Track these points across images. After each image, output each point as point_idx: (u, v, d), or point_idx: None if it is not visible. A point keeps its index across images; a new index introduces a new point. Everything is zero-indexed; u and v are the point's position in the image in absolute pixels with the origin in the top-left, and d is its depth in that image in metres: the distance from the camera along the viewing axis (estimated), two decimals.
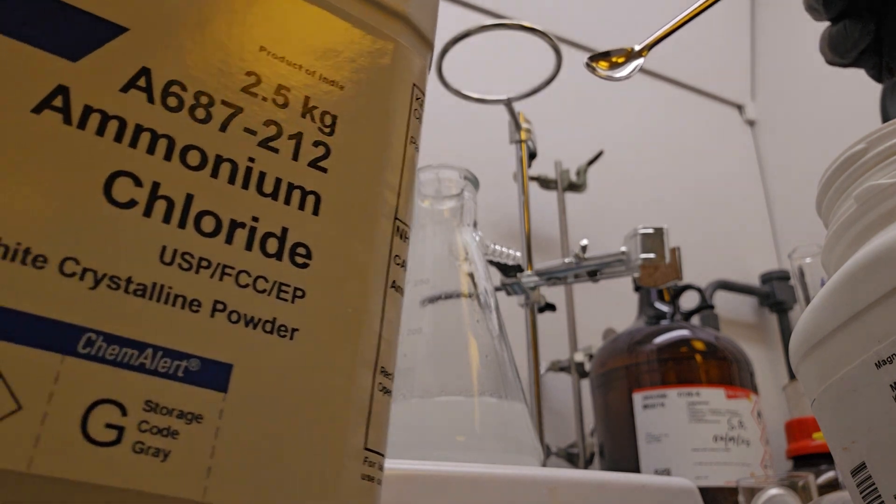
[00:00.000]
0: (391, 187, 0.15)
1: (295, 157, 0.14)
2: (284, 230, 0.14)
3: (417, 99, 0.17)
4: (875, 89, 0.35)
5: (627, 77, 0.33)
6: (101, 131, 0.12)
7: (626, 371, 0.52)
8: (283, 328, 0.13)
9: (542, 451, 0.42)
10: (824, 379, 0.21)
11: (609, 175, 0.77)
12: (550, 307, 0.62)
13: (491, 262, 0.56)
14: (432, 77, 0.58)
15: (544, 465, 0.46)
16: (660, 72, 0.93)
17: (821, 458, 0.64)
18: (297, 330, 0.13)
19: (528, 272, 0.58)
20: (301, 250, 0.14)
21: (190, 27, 0.14)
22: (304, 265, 0.14)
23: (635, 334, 0.55)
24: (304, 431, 0.13)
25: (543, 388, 0.64)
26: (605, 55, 0.34)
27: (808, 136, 0.89)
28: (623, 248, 0.54)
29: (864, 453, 0.20)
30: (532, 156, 0.68)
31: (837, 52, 0.30)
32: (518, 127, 0.66)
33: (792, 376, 0.76)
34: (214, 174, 0.13)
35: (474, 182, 0.47)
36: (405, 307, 0.42)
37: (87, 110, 0.12)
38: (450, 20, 0.78)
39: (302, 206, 0.14)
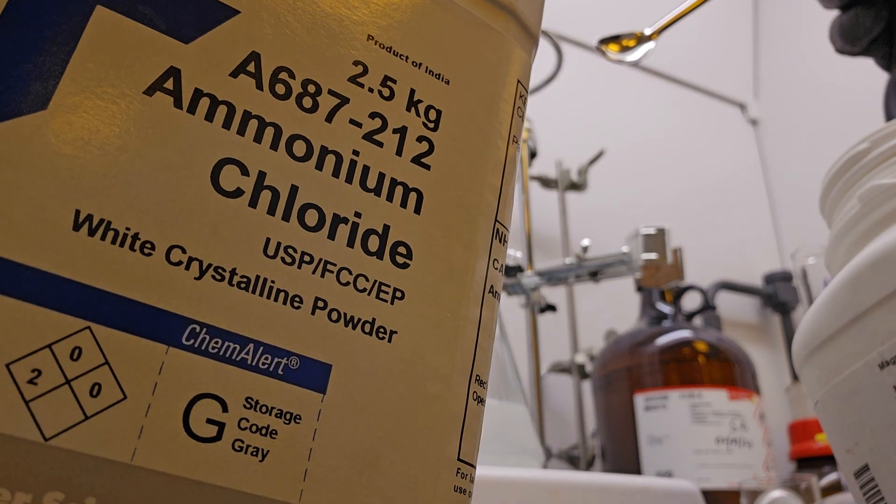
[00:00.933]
0: (492, 188, 0.15)
1: (399, 152, 0.14)
2: (386, 227, 0.13)
3: (521, 97, 0.16)
4: (879, 88, 0.35)
5: (638, 61, 0.33)
6: (210, 116, 0.12)
7: (628, 372, 0.52)
8: (381, 329, 0.13)
9: (542, 452, 0.42)
10: (827, 380, 0.21)
11: (610, 175, 0.77)
12: (551, 308, 0.62)
13: None
14: None
15: (545, 467, 0.46)
16: (661, 70, 0.93)
17: (824, 461, 0.64)
18: (395, 332, 0.13)
19: (529, 272, 0.57)
20: (402, 249, 0.13)
21: (300, 13, 0.13)
22: (405, 265, 0.13)
23: (637, 335, 0.55)
24: (400, 438, 0.12)
25: (544, 390, 0.64)
26: (614, 38, 0.33)
27: (811, 135, 0.88)
28: (625, 249, 0.53)
29: (867, 455, 0.19)
30: (533, 155, 0.67)
31: (848, 39, 0.30)
32: None
33: (795, 378, 0.76)
34: (319, 166, 0.13)
35: None
36: None
37: (198, 94, 0.12)
38: None
39: (404, 204, 0.13)
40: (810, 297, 0.48)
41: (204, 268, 0.11)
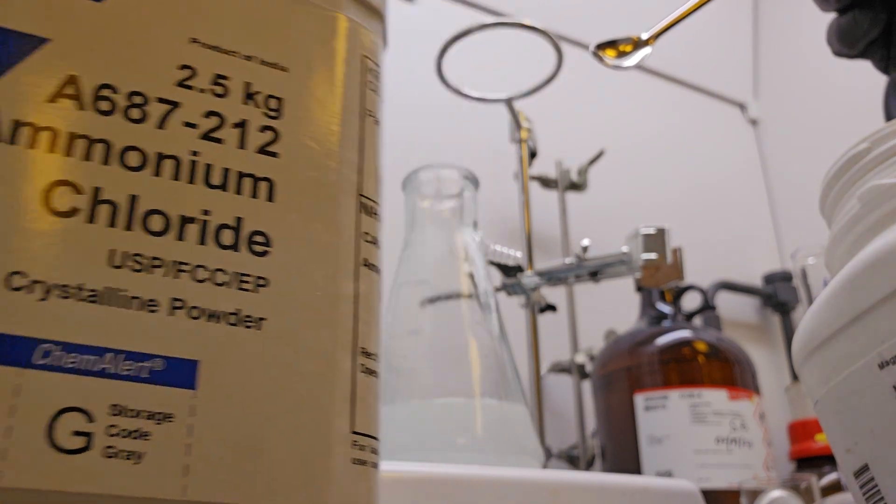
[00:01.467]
0: (351, 163, 0.15)
1: (241, 145, 0.14)
2: (239, 220, 0.13)
3: (370, 70, 0.16)
4: (879, 89, 0.35)
5: (634, 66, 0.33)
6: (33, 144, 0.12)
7: (628, 372, 0.52)
8: (248, 319, 0.13)
9: (542, 452, 0.42)
10: (827, 380, 0.21)
11: (610, 174, 0.77)
12: (551, 308, 0.62)
13: (491, 263, 0.56)
14: (433, 75, 0.58)
15: (545, 467, 0.46)
16: (661, 70, 0.93)
17: (824, 460, 0.64)
18: (263, 319, 0.13)
19: (529, 272, 0.57)
20: (259, 238, 0.14)
21: (115, 29, 0.14)
22: (265, 253, 0.13)
23: (637, 335, 0.55)
24: (285, 420, 0.13)
25: (544, 390, 0.64)
26: (611, 43, 0.33)
27: (811, 136, 0.88)
28: (624, 249, 0.53)
29: (866, 455, 0.19)
30: (533, 155, 0.67)
31: (846, 42, 0.30)
32: (518, 126, 0.66)
33: (795, 377, 0.76)
34: (157, 173, 0.13)
35: (474, 182, 0.47)
36: (405, 307, 0.42)
37: (17, 125, 0.12)
38: (450, 18, 0.78)
39: (255, 194, 0.14)
40: (810, 297, 0.49)
41: (48, 288, 0.12)
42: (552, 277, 0.56)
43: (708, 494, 0.43)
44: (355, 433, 0.13)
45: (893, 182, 0.20)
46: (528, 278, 0.57)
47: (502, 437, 0.38)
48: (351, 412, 0.13)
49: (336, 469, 0.13)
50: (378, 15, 0.17)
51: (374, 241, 0.15)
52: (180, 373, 0.12)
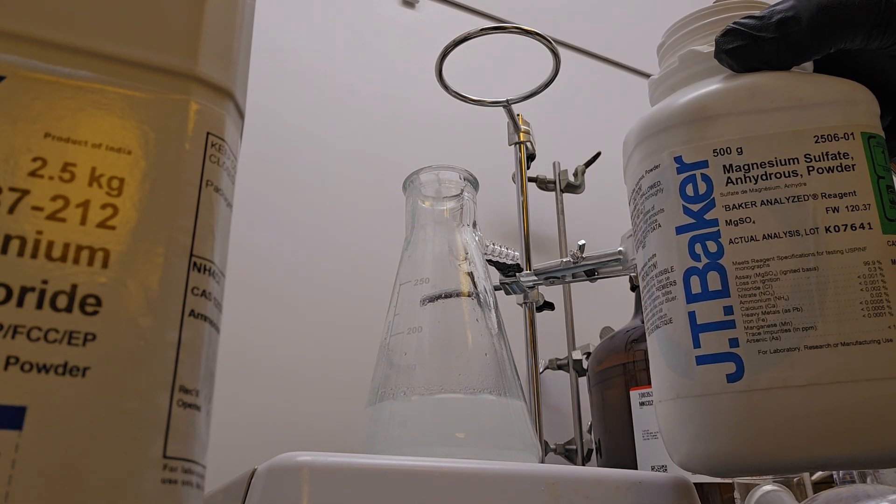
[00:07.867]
0: (184, 230, 0.17)
1: (83, 222, 0.16)
2: (74, 286, 0.15)
3: (214, 145, 0.18)
4: None
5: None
6: None
7: (624, 369, 0.53)
8: (74, 369, 0.14)
9: (540, 447, 0.43)
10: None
11: (606, 176, 0.77)
12: (549, 306, 0.63)
13: (490, 262, 0.57)
14: (434, 79, 0.59)
15: (542, 461, 0.47)
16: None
17: None
18: (88, 368, 0.15)
19: (527, 272, 0.58)
20: (91, 300, 0.15)
21: None
22: (95, 312, 0.15)
23: (632, 333, 0.55)
24: (100, 450, 0.14)
25: (542, 386, 0.65)
26: None
27: None
28: (620, 248, 0.54)
29: None
30: (531, 157, 0.68)
31: None
32: (517, 129, 0.66)
33: None
34: (4, 251, 0.15)
35: (474, 183, 0.48)
36: (406, 305, 0.43)
37: None
38: (450, 24, 0.79)
39: (91, 263, 0.15)
40: None
41: None
42: (549, 276, 0.57)
43: (701, 488, 0.44)
44: (167, 457, 0.15)
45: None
46: (526, 277, 0.58)
47: (501, 432, 0.39)
48: (164, 440, 0.15)
49: (145, 487, 0.14)
50: (227, 93, 0.19)
51: (204, 294, 0.17)
52: (8, 417, 0.14)
